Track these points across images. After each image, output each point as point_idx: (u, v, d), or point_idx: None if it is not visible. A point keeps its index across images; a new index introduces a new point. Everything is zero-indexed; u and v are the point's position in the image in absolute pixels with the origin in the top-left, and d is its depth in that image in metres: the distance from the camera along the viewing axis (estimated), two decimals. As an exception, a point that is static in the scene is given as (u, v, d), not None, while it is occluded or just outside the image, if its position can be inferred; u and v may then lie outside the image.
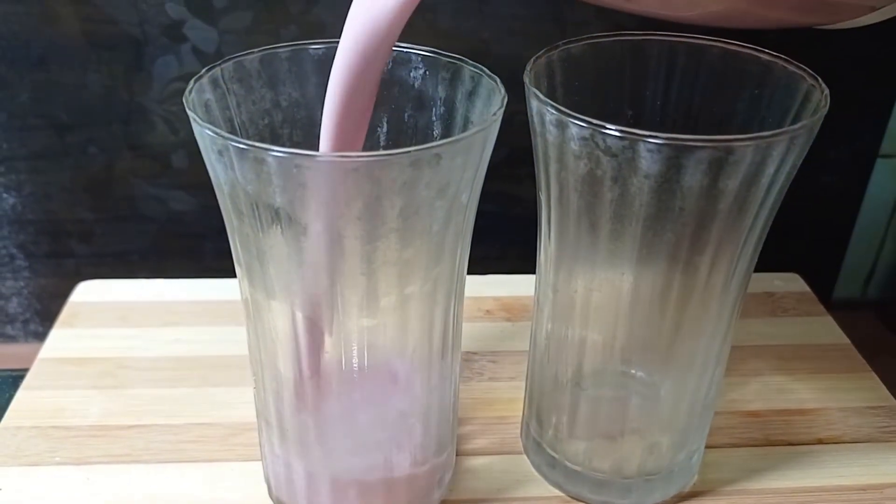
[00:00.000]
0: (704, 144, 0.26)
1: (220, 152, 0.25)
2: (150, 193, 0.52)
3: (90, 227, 0.53)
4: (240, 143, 0.24)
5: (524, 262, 0.45)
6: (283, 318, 0.29)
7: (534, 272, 0.35)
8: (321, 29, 0.47)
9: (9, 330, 0.56)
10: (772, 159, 0.27)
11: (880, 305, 0.60)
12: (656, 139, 0.26)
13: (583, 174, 0.28)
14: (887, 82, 0.51)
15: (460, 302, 0.31)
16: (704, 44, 0.33)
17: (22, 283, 0.55)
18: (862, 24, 0.31)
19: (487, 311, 0.47)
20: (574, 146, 0.28)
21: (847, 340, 0.45)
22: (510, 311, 0.47)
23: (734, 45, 0.32)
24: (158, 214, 0.53)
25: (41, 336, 0.56)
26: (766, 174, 0.27)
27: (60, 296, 0.54)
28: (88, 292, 0.48)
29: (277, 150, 0.24)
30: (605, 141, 0.27)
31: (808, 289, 0.50)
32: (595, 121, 0.26)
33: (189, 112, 0.26)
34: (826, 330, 0.46)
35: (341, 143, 0.28)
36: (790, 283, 0.50)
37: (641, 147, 0.26)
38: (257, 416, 0.34)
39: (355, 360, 0.30)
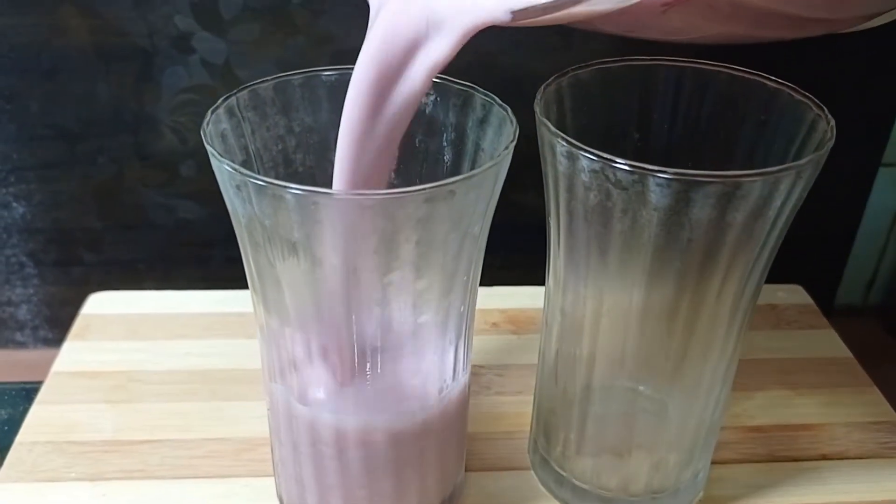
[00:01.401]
0: (713, 180, 0.26)
1: (238, 187, 0.26)
2: (159, 202, 0.52)
3: (99, 236, 0.53)
4: (259, 180, 0.25)
5: (529, 270, 0.46)
6: (297, 344, 0.29)
7: (538, 282, 0.36)
8: (328, 39, 0.47)
9: (18, 336, 0.57)
10: (779, 193, 0.27)
11: (882, 311, 0.60)
12: (665, 174, 0.26)
13: (593, 205, 0.29)
14: (891, 91, 0.52)
15: (471, 327, 0.32)
16: (712, 69, 0.33)
17: (31, 291, 0.55)
18: (864, 28, 0.31)
19: (494, 323, 0.47)
20: (584, 178, 0.28)
21: (849, 354, 0.46)
22: (516, 323, 0.48)
23: (741, 72, 0.33)
24: (167, 223, 0.53)
25: (50, 342, 0.57)
26: (773, 207, 0.28)
27: (69, 303, 0.55)
28: (99, 304, 0.48)
29: (295, 188, 0.24)
30: (615, 174, 0.27)
31: (810, 300, 0.50)
32: (605, 155, 0.27)
33: (207, 147, 0.27)
34: (829, 343, 0.47)
35: (356, 179, 0.28)
36: (793, 295, 0.50)
37: (651, 181, 0.26)
38: (270, 435, 0.34)
39: (369, 385, 0.30)
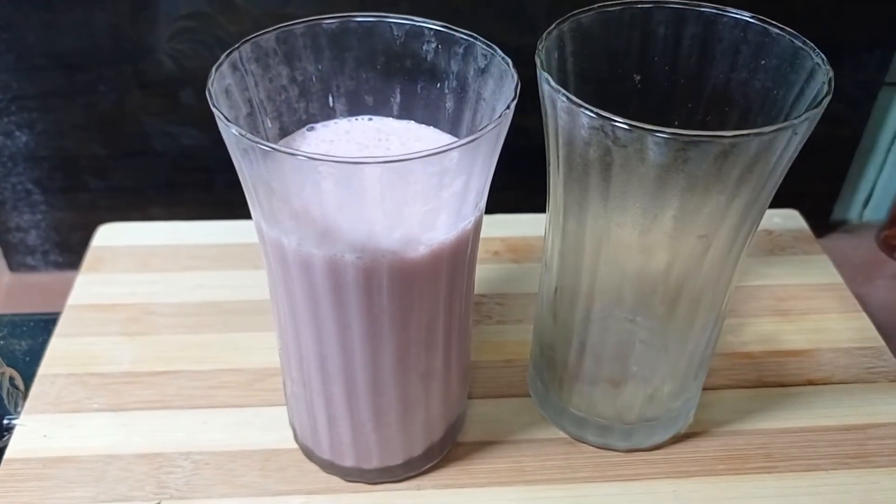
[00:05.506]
0: (709, 139, 0.27)
1: (245, 150, 0.26)
2: (162, 129, 0.53)
3: (104, 163, 0.54)
4: (265, 145, 0.25)
5: (529, 192, 0.46)
6: (308, 278, 0.30)
7: (538, 203, 0.36)
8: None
9: (29, 261, 0.58)
10: (774, 149, 0.28)
11: (877, 227, 0.61)
12: (663, 133, 0.27)
13: (593, 158, 0.29)
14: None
15: (473, 271, 0.33)
16: (713, 12, 0.33)
17: (39, 217, 0.56)
18: None
19: (495, 252, 0.48)
20: (584, 133, 0.28)
21: (840, 279, 0.47)
22: (516, 252, 0.49)
23: (743, 17, 0.32)
24: (170, 149, 0.54)
25: (61, 266, 0.58)
26: (770, 161, 0.28)
27: (78, 228, 0.56)
28: (109, 236, 0.49)
29: (302, 154, 0.25)
30: (614, 132, 0.27)
31: (805, 226, 0.51)
32: (605, 113, 0.27)
33: (214, 109, 0.27)
34: (821, 268, 0.48)
35: None
36: (789, 221, 0.51)
37: (649, 140, 0.27)
38: (283, 373, 0.36)
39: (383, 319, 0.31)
